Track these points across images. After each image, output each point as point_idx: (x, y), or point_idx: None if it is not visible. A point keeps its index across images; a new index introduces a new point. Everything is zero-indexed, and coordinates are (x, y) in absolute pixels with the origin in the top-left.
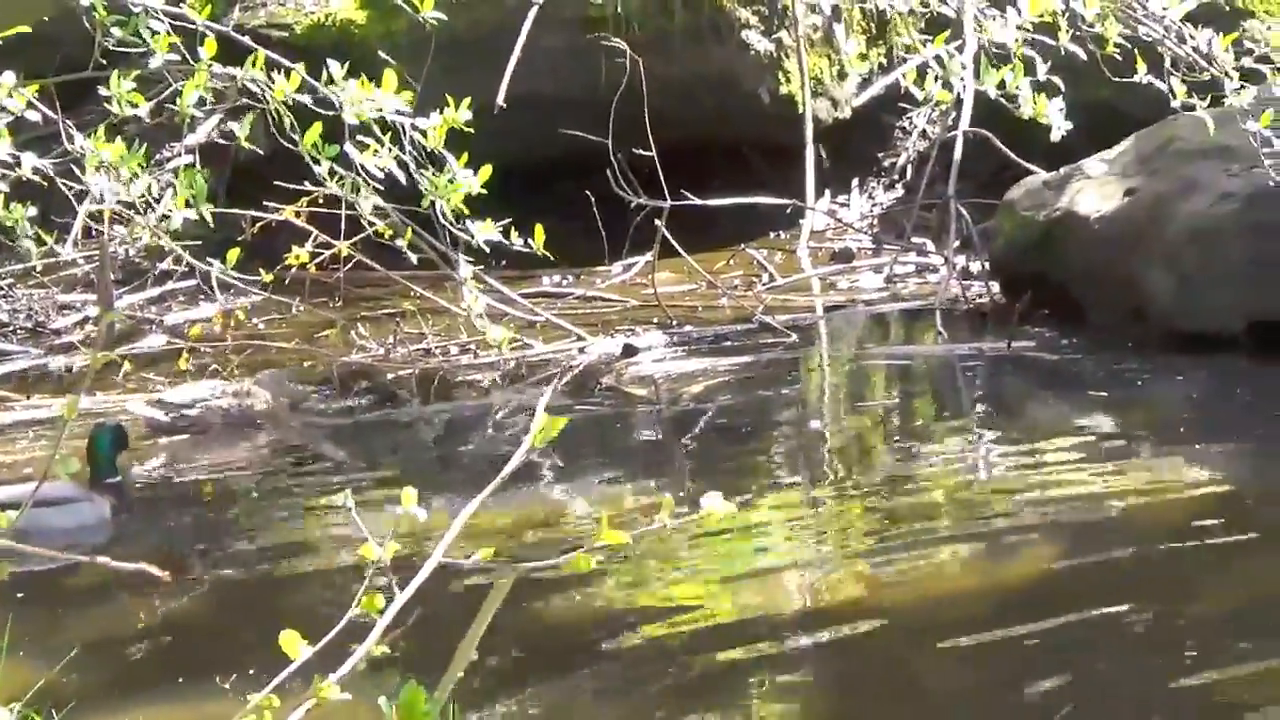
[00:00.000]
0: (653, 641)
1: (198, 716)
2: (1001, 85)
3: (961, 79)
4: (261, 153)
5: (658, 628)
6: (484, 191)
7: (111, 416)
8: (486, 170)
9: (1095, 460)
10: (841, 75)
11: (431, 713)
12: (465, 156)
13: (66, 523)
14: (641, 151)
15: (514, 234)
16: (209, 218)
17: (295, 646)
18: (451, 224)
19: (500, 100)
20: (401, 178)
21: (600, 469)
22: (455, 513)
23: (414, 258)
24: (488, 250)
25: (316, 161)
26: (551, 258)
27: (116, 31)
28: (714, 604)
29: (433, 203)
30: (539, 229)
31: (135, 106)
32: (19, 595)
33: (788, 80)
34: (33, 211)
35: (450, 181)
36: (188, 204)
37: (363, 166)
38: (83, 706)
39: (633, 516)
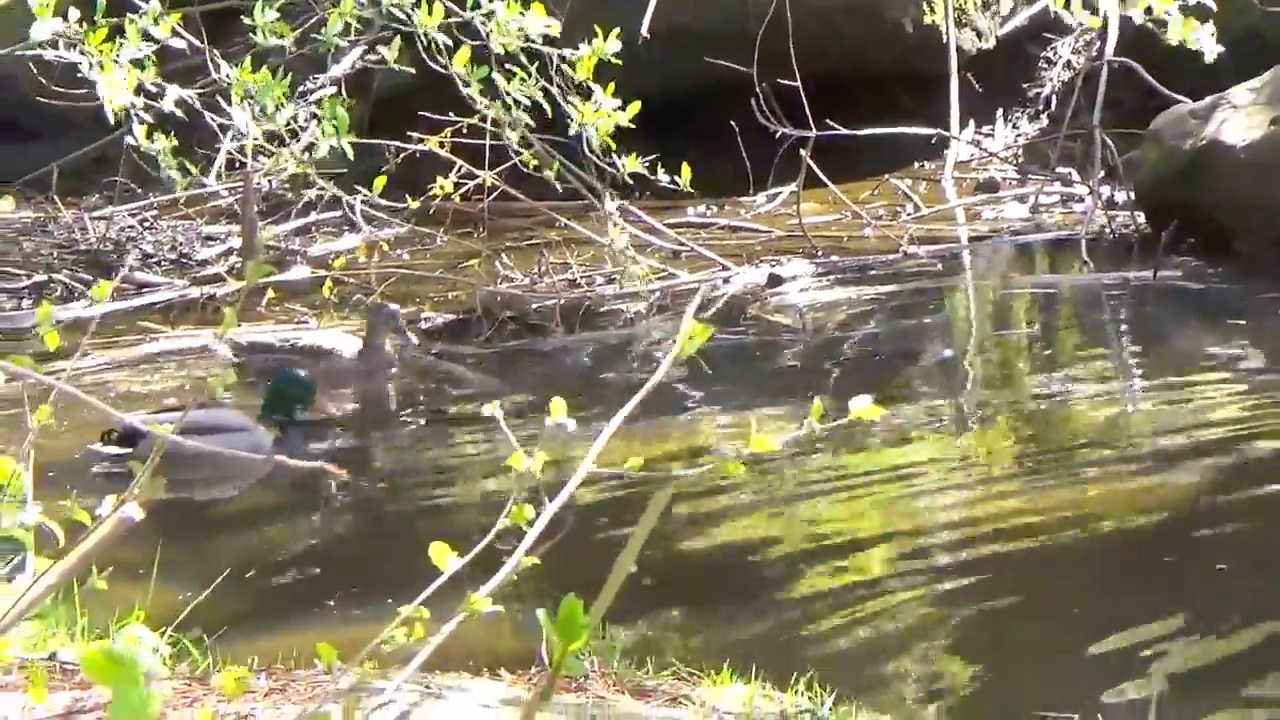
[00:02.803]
0: (800, 561)
1: (347, 638)
2: (1149, 11)
3: (1106, 4)
4: (406, 80)
5: (804, 547)
6: (631, 125)
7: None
8: (635, 105)
9: (1241, 388)
10: (985, 5)
11: (589, 625)
12: (611, 88)
13: (216, 447)
14: (785, 82)
15: (660, 170)
16: (349, 150)
17: (444, 558)
18: (598, 158)
19: (644, 31)
20: (547, 109)
21: (744, 395)
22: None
23: (559, 187)
24: (633, 183)
25: (466, 84)
26: (695, 193)
27: None
28: (858, 526)
29: (580, 134)
30: (685, 167)
31: (280, 37)
32: (169, 520)
33: (931, 10)
34: (175, 143)
35: (598, 112)
36: (334, 130)
37: (509, 94)
38: (232, 631)
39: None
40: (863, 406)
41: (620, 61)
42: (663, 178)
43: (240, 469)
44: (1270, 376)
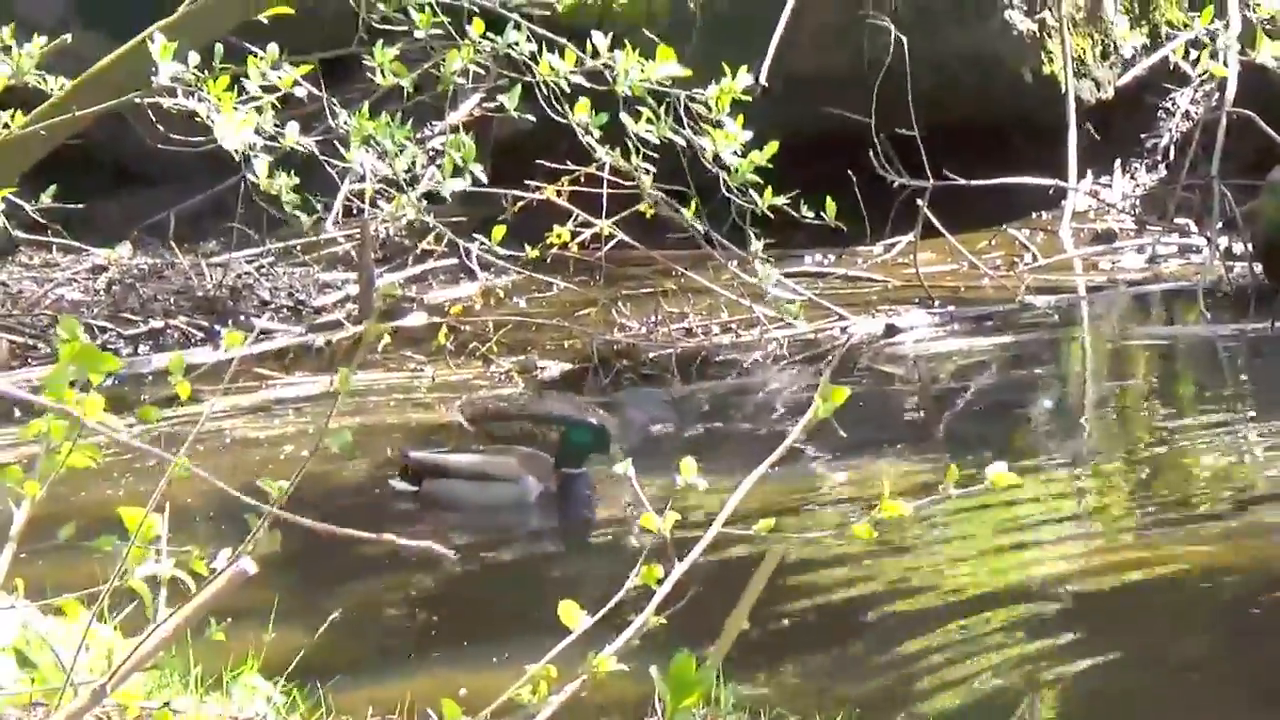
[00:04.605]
0: (915, 615)
1: (462, 688)
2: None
3: (1227, 53)
4: (526, 126)
5: (919, 601)
6: (768, 166)
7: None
8: (773, 145)
9: None
10: (1104, 55)
11: (702, 682)
12: (741, 120)
13: (481, 498)
14: (903, 131)
15: (803, 206)
16: (482, 175)
17: (574, 616)
18: (738, 194)
19: (763, 79)
20: (681, 143)
21: (864, 448)
22: (723, 488)
23: (699, 227)
24: (771, 217)
25: (587, 132)
26: (844, 227)
27: (381, 7)
28: (978, 585)
29: (717, 176)
30: (830, 201)
31: (399, 77)
32: (292, 567)
33: (1050, 60)
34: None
35: (739, 147)
36: (455, 172)
37: (638, 136)
38: (347, 679)
39: (903, 490)
40: (1000, 474)
41: (743, 111)
42: (808, 215)
43: (501, 517)
44: None
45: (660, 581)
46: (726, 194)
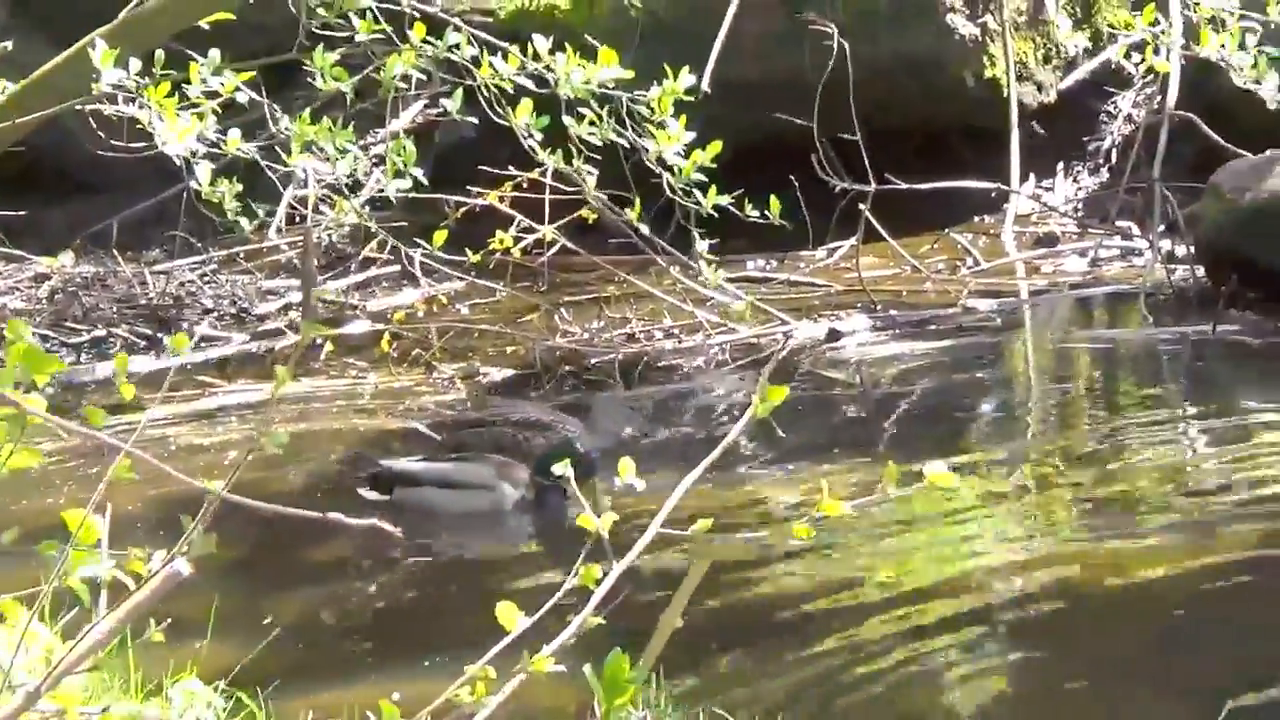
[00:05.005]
0: (851, 617)
1: (404, 693)
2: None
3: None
4: (465, 136)
5: (856, 604)
6: (712, 166)
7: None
8: (716, 145)
9: None
10: (1047, 59)
11: (635, 681)
12: (683, 120)
13: (456, 506)
14: (846, 136)
15: (747, 205)
16: (423, 178)
17: (512, 617)
18: (682, 195)
19: (705, 85)
20: (624, 143)
21: (804, 451)
22: (663, 489)
23: (641, 228)
24: (714, 216)
25: (528, 136)
26: (788, 225)
27: (322, 12)
28: (915, 582)
29: (660, 185)
30: (774, 200)
31: (339, 81)
32: (227, 575)
33: (992, 64)
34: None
35: (683, 148)
36: (397, 175)
37: (580, 139)
38: (287, 685)
39: (843, 493)
40: (938, 473)
41: (685, 117)
42: (752, 214)
43: (474, 522)
44: None
45: (599, 582)
46: (670, 195)
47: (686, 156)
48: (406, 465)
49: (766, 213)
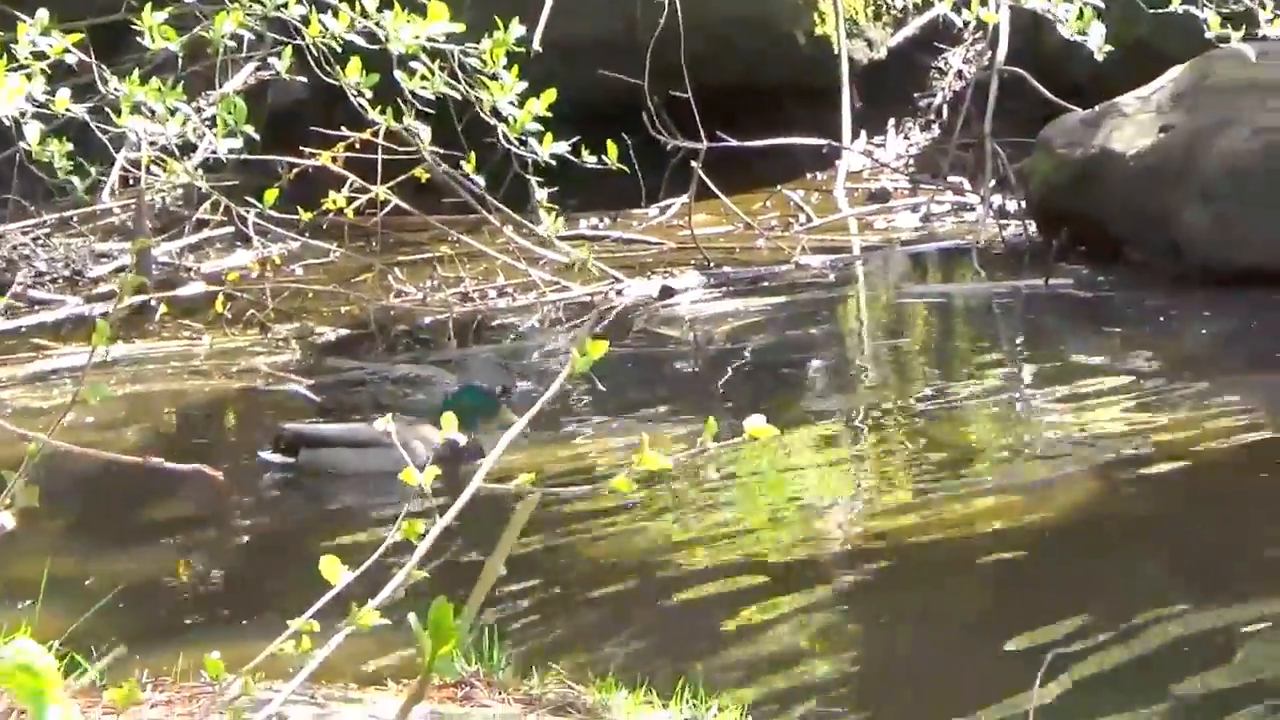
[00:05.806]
0: (684, 571)
1: (242, 653)
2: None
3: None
4: (301, 94)
5: (690, 562)
6: (547, 116)
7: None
8: (550, 93)
9: (1129, 396)
10: (877, 15)
11: (460, 629)
12: (515, 72)
13: (364, 465)
14: (677, 94)
15: (584, 151)
16: (255, 135)
17: (336, 571)
18: (516, 144)
19: (537, 44)
20: (454, 99)
21: (636, 408)
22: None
23: (474, 186)
24: (549, 168)
25: (359, 94)
26: (626, 169)
27: None
28: (747, 536)
29: (494, 143)
30: (611, 144)
31: (169, 41)
32: (59, 535)
33: (822, 21)
34: (70, 148)
35: (516, 98)
36: (229, 134)
37: (413, 94)
38: (124, 646)
39: (671, 450)
40: (757, 426)
41: (518, 76)
42: (590, 160)
43: (382, 481)
44: (1158, 382)
45: (421, 537)
46: (506, 144)
47: (521, 108)
48: (313, 427)
49: (605, 158)
